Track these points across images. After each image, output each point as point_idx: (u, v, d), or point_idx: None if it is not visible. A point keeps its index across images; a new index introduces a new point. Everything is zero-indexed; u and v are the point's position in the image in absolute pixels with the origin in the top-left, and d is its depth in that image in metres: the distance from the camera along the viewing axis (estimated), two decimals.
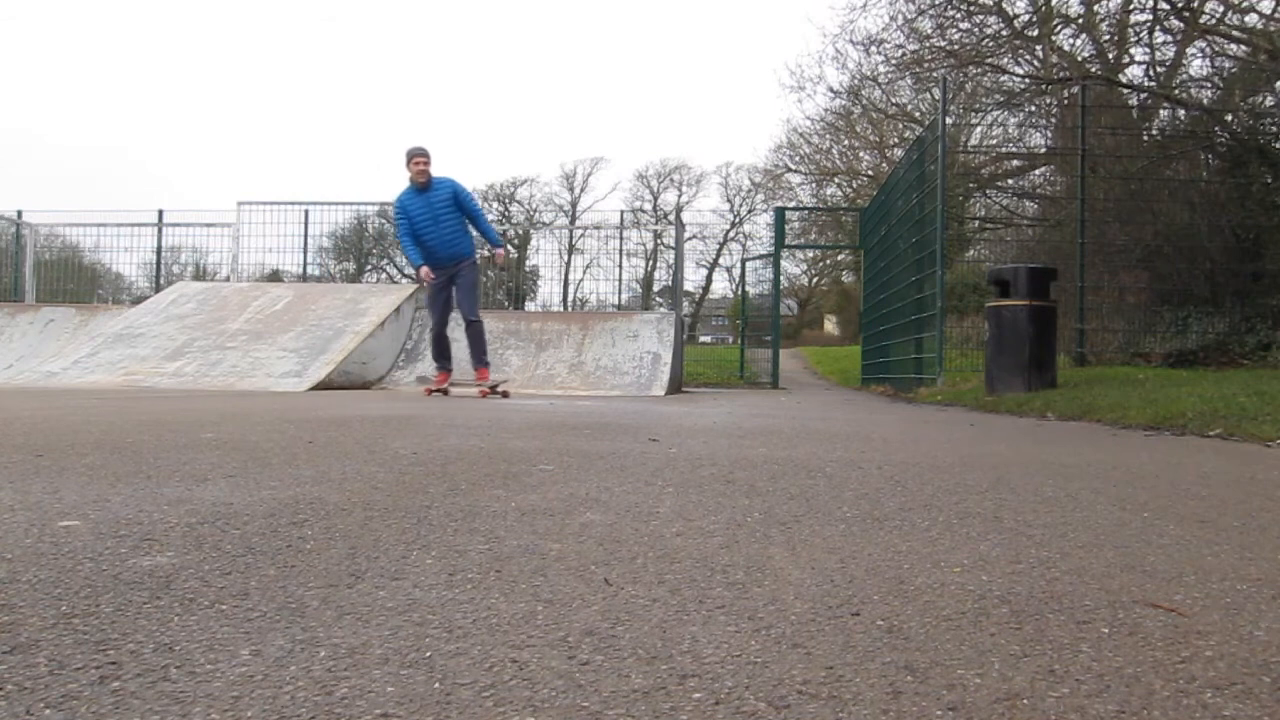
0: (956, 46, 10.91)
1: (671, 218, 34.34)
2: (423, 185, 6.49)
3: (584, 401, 6.19)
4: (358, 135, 68.51)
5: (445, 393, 6.65)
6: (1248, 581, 1.07)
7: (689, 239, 27.24)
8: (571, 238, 27.97)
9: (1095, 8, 11.08)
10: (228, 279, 13.56)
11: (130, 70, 70.80)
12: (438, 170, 6.67)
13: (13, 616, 0.84)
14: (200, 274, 16.41)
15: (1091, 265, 8.23)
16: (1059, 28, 11.23)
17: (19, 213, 13.93)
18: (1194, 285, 8.48)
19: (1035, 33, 10.72)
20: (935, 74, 10.86)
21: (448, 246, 6.59)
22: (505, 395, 6.60)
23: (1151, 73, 10.99)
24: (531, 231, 25.08)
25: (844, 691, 0.69)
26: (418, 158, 6.50)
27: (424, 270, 6.60)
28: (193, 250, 16.21)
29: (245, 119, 67.60)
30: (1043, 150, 11.38)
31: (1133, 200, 8.69)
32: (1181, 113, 9.74)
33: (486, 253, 7.20)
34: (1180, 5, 9.54)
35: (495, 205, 39.95)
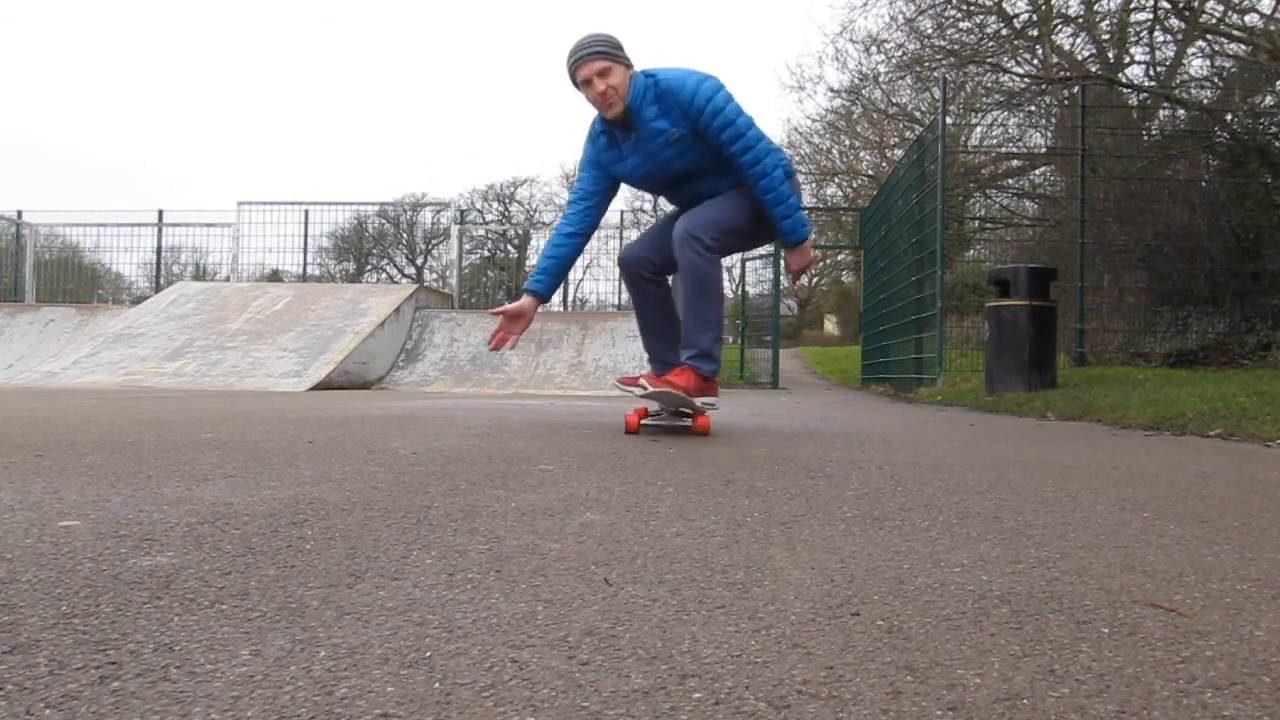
0: (956, 46, 10.91)
1: None
2: (618, 119, 2.87)
3: (584, 401, 6.19)
4: (358, 135, 68.48)
5: (666, 418, 3.27)
6: (1248, 581, 1.07)
7: None
8: None
9: (1095, 7, 11.08)
10: (228, 279, 13.57)
11: (130, 70, 70.82)
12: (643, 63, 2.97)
13: (13, 616, 0.84)
14: (200, 274, 16.43)
15: (1091, 265, 8.23)
16: (1059, 27, 11.23)
17: (19, 213, 13.94)
18: (1194, 285, 8.48)
19: (1035, 32, 10.72)
20: (935, 74, 10.86)
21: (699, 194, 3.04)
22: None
23: (1151, 72, 10.99)
24: (531, 231, 25.07)
25: (844, 691, 0.69)
26: (586, 62, 2.83)
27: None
28: (193, 250, 16.23)
29: (245, 119, 67.59)
30: (1043, 150, 11.38)
31: (1133, 200, 8.69)
32: (1181, 113, 9.73)
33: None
34: (1180, 5, 9.54)
35: (495, 205, 39.95)
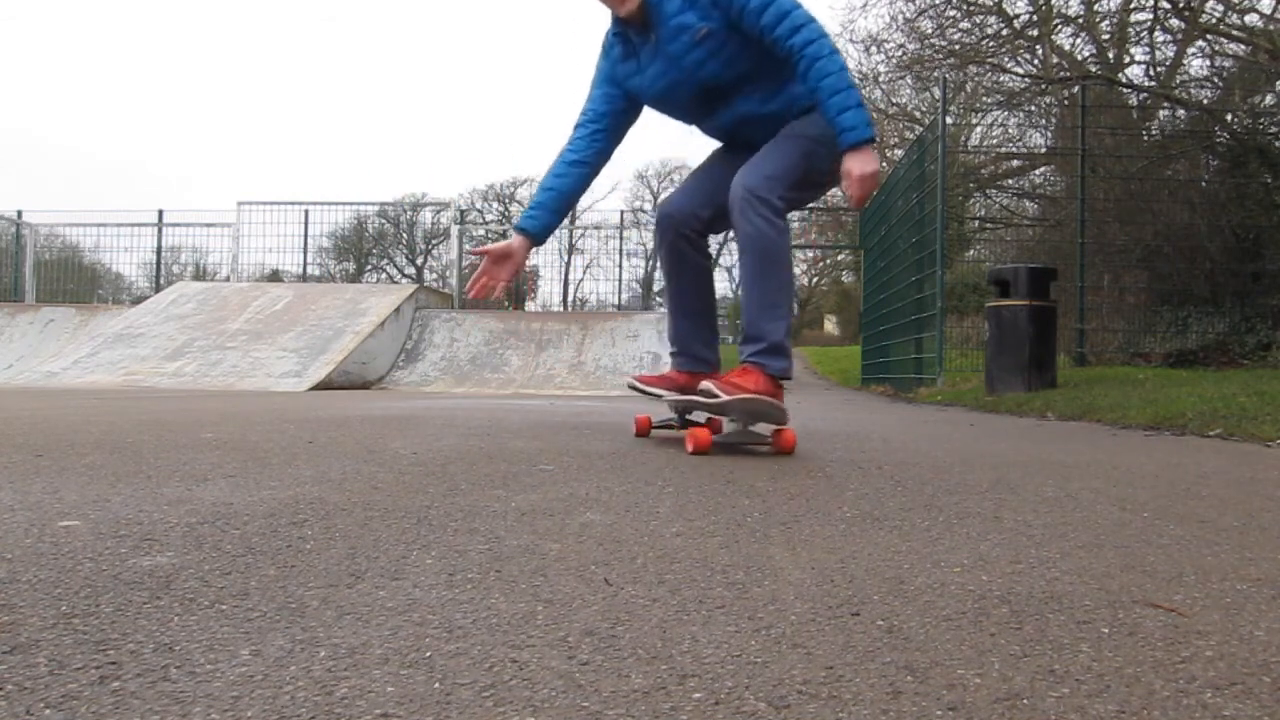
0: (956, 46, 10.91)
1: None
2: (633, 16, 2.39)
3: (584, 401, 6.19)
4: (358, 135, 68.48)
5: (677, 423, 2.74)
6: (1248, 581, 1.07)
7: None
8: (571, 238, 27.99)
9: (1095, 7, 11.08)
10: (228, 279, 13.56)
11: (130, 70, 70.80)
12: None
13: (13, 616, 0.84)
14: (200, 274, 16.43)
15: (1091, 265, 8.23)
16: (1059, 27, 11.23)
17: (19, 213, 13.94)
18: (1194, 285, 8.48)
19: (1035, 32, 10.72)
20: (935, 74, 10.86)
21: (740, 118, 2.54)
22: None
23: (1151, 72, 11.00)
24: None
25: (844, 691, 0.69)
26: None
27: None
28: (193, 250, 16.25)
29: (245, 119, 67.61)
30: (1043, 150, 11.38)
31: (1133, 200, 8.69)
32: (1181, 113, 9.73)
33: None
34: (1180, 5, 9.54)
35: (495, 205, 39.94)
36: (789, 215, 2.44)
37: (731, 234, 2.45)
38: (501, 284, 2.51)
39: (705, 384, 2.31)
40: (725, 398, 2.25)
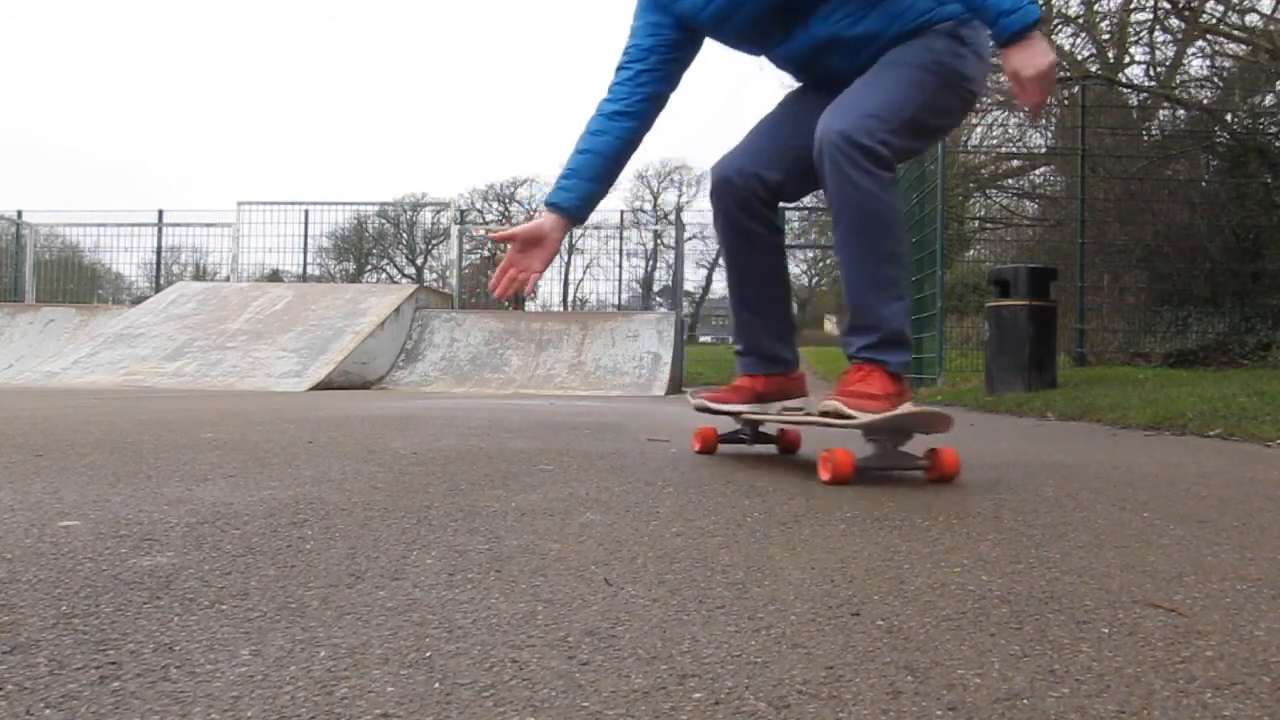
0: None
1: (671, 218, 34.35)
2: None
3: (584, 401, 6.19)
4: (358, 135, 68.47)
5: (748, 435, 2.41)
6: (1248, 581, 1.07)
7: (689, 239, 27.26)
8: (571, 238, 28.01)
9: (1095, 7, 11.08)
10: (228, 279, 13.56)
11: (130, 70, 70.78)
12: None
13: (13, 616, 0.84)
14: (200, 274, 16.42)
15: (1091, 265, 8.23)
16: (1059, 27, 11.23)
17: (19, 213, 13.94)
18: (1194, 285, 8.49)
19: None
20: None
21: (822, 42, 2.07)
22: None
23: (1151, 72, 11.00)
24: None
25: (844, 691, 0.69)
26: None
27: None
28: (193, 250, 16.24)
29: (245, 119, 67.61)
30: (1043, 150, 11.38)
31: (1133, 200, 8.70)
32: (1181, 113, 9.74)
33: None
34: (1180, 5, 9.54)
35: (495, 205, 39.94)
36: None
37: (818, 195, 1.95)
38: (534, 276, 2.01)
39: (830, 402, 1.84)
40: (868, 417, 1.77)
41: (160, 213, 14.39)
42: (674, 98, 2.10)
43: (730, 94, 71.83)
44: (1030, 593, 1.00)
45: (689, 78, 2.11)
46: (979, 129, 12.76)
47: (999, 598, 0.98)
